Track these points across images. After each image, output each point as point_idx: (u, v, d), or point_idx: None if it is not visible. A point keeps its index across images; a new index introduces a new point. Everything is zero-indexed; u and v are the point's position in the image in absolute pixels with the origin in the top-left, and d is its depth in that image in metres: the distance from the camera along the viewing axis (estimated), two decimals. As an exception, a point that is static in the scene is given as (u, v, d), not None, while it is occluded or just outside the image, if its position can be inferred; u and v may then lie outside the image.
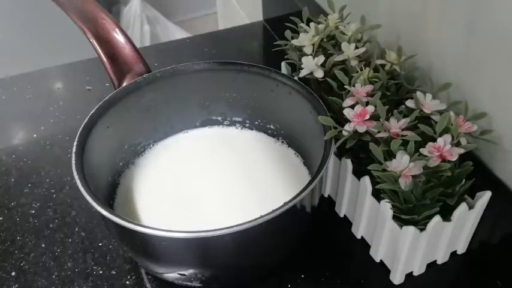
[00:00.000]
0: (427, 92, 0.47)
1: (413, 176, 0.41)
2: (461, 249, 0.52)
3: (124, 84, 0.55)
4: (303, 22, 0.56)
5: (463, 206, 0.46)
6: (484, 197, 0.47)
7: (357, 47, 0.52)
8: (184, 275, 0.46)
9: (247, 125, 0.62)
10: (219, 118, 0.62)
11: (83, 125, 0.49)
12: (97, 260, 0.54)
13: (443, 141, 0.42)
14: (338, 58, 0.52)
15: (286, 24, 0.58)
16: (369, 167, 0.43)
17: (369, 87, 0.47)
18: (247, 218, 0.40)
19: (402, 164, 0.41)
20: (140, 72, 0.56)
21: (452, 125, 0.43)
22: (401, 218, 0.46)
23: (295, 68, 0.57)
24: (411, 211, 0.45)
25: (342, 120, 0.47)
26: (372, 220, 0.51)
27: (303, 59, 0.52)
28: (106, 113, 0.52)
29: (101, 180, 0.51)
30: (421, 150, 0.42)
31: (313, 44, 0.53)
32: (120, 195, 0.55)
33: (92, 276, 0.52)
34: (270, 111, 0.59)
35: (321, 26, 0.55)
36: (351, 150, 0.47)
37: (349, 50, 0.51)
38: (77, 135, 0.48)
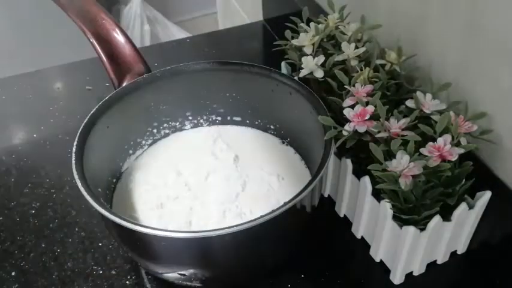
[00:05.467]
0: (427, 92, 0.47)
1: (413, 176, 0.41)
2: (461, 249, 0.52)
3: (124, 84, 0.55)
4: (303, 22, 0.56)
5: (463, 206, 0.46)
6: (484, 197, 0.47)
7: (357, 47, 0.52)
8: (184, 275, 0.46)
9: (247, 124, 0.62)
10: (219, 118, 0.62)
11: (83, 125, 0.49)
12: (97, 260, 0.54)
13: (443, 141, 0.42)
14: (338, 58, 0.52)
15: (286, 24, 0.58)
16: (369, 167, 0.43)
17: (369, 87, 0.47)
18: (248, 217, 0.40)
19: (402, 164, 0.41)
20: (140, 72, 0.56)
21: (452, 125, 0.43)
22: (401, 218, 0.46)
23: (295, 68, 0.57)
24: (411, 211, 0.45)
25: (342, 120, 0.47)
26: (372, 220, 0.51)
27: (303, 59, 0.52)
28: (106, 113, 0.52)
29: (101, 180, 0.51)
30: (421, 150, 0.42)
31: (313, 44, 0.53)
32: (120, 195, 0.55)
33: (92, 276, 0.52)
34: (270, 111, 0.59)
35: (321, 26, 0.55)
36: (351, 150, 0.47)
37: (349, 50, 0.51)
38: (77, 135, 0.48)
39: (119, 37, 0.57)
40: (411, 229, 0.45)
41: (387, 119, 0.45)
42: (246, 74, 0.56)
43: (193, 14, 2.02)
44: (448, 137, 0.42)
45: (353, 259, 0.54)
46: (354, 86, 0.48)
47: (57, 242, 0.56)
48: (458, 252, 0.52)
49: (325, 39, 0.54)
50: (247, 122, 0.62)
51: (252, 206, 0.52)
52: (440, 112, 0.45)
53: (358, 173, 0.50)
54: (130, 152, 0.58)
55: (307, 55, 0.53)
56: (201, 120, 0.62)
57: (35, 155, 0.67)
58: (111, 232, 0.48)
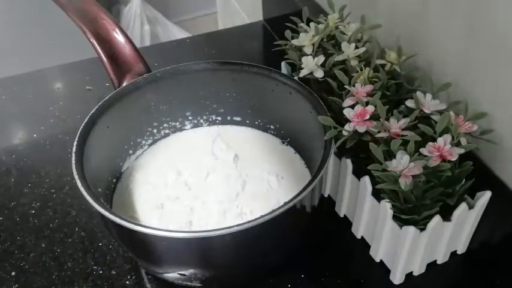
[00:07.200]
0: (427, 92, 0.47)
1: (413, 176, 0.41)
2: (461, 249, 0.52)
3: (124, 84, 0.55)
4: (303, 22, 0.56)
5: (463, 206, 0.46)
6: (484, 197, 0.47)
7: (357, 47, 0.52)
8: (184, 275, 0.46)
9: (247, 124, 0.62)
10: (219, 118, 0.62)
11: (83, 125, 0.49)
12: (97, 260, 0.54)
13: (443, 141, 0.42)
14: (338, 58, 0.52)
15: (286, 24, 0.58)
16: (369, 167, 0.43)
17: (369, 87, 0.47)
18: (248, 217, 0.40)
19: (402, 164, 0.41)
20: (140, 72, 0.56)
21: (452, 125, 0.43)
22: (401, 218, 0.46)
23: (295, 68, 0.57)
24: (411, 211, 0.45)
25: (342, 120, 0.47)
26: (372, 220, 0.51)
27: (303, 59, 0.52)
28: (106, 113, 0.52)
29: (101, 180, 0.51)
30: (421, 150, 0.42)
31: (313, 44, 0.53)
32: (120, 195, 0.55)
33: (92, 276, 0.52)
34: (270, 111, 0.59)
35: (321, 26, 0.55)
36: (351, 150, 0.47)
37: (349, 50, 0.51)
38: (77, 135, 0.48)
39: (119, 37, 0.57)
40: (411, 229, 0.45)
41: (387, 119, 0.44)
42: (246, 74, 0.56)
43: (193, 14, 2.02)
44: (448, 137, 0.42)
45: (353, 259, 0.54)
46: (354, 86, 0.48)
47: (57, 242, 0.56)
48: (458, 252, 0.52)
49: (325, 39, 0.54)
50: (247, 122, 0.62)
51: (252, 206, 0.52)
52: (440, 112, 0.45)
53: (358, 173, 0.50)
54: (130, 152, 0.58)
55: (307, 55, 0.53)
56: (201, 120, 0.62)
57: (35, 155, 0.67)
58: (111, 232, 0.48)
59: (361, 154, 0.49)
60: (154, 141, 0.60)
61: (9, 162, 0.65)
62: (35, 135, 0.69)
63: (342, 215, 0.57)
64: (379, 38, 0.55)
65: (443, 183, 0.43)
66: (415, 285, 0.51)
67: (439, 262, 0.52)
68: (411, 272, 0.51)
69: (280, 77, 0.54)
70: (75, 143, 0.47)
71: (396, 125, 0.44)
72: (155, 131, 0.60)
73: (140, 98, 0.55)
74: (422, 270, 0.51)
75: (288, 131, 0.59)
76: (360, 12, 0.55)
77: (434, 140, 0.42)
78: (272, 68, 0.55)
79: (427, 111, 0.46)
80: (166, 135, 0.61)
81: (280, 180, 0.55)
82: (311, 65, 0.52)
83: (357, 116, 0.45)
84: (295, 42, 0.54)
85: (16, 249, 0.55)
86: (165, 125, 0.60)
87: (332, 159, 0.54)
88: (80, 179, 0.44)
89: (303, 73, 0.52)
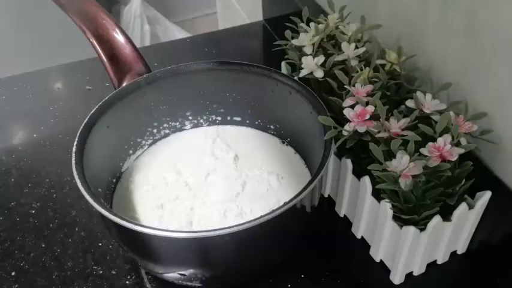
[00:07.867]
0: (427, 92, 0.47)
1: (413, 176, 0.41)
2: (461, 249, 0.52)
3: (124, 84, 0.55)
4: (303, 22, 0.57)
5: (463, 206, 0.46)
6: (484, 197, 0.47)
7: (357, 47, 0.52)
8: (184, 275, 0.46)
9: (247, 124, 0.62)
10: (219, 118, 0.62)
11: (83, 124, 0.49)
12: (97, 260, 0.54)
13: (443, 141, 0.42)
14: (338, 58, 0.52)
15: (286, 24, 0.58)
16: (369, 167, 0.43)
17: (369, 87, 0.47)
18: (248, 217, 0.40)
19: (402, 164, 0.41)
20: (140, 72, 0.56)
21: (452, 125, 0.43)
22: (401, 218, 0.46)
23: (295, 68, 0.57)
24: (411, 211, 0.45)
25: (342, 120, 0.47)
26: (371, 220, 0.51)
27: (303, 59, 0.52)
28: (106, 112, 0.52)
29: (101, 181, 0.51)
30: (421, 150, 0.42)
31: (313, 44, 0.53)
32: (120, 195, 0.55)
33: (92, 276, 0.52)
34: (270, 111, 0.59)
35: (321, 26, 0.55)
36: (351, 150, 0.47)
37: (349, 50, 0.51)
38: (77, 135, 0.48)
39: (119, 37, 0.57)
40: (411, 229, 0.45)
41: (387, 119, 0.44)
42: (246, 74, 0.56)
43: (193, 14, 2.02)
44: (448, 137, 0.42)
45: (353, 259, 0.54)
46: (354, 86, 0.48)
47: (57, 242, 0.56)
48: (458, 252, 0.52)
49: (325, 39, 0.54)
50: (247, 122, 0.62)
51: (252, 206, 0.52)
52: (440, 112, 0.45)
53: (358, 173, 0.50)
54: (130, 152, 0.58)
55: (307, 55, 0.53)
56: (201, 120, 0.62)
57: (35, 155, 0.66)
58: (111, 232, 0.48)
59: (361, 154, 0.49)
60: (154, 141, 0.60)
61: (9, 162, 0.65)
62: (35, 135, 0.69)
63: (342, 215, 0.57)
64: (379, 38, 0.55)
65: (443, 183, 0.43)
66: (415, 285, 0.51)
67: (439, 262, 0.52)
68: (411, 272, 0.51)
69: (280, 77, 0.54)
70: (75, 143, 0.47)
71: (396, 125, 0.44)
72: (155, 131, 0.60)
73: (140, 98, 0.55)
74: (422, 270, 0.51)
75: (288, 131, 0.59)
76: (360, 12, 0.55)
77: (434, 140, 0.42)
78: (272, 68, 0.55)
79: (427, 111, 0.46)
80: (166, 135, 0.61)
81: (280, 180, 0.55)
82: (311, 65, 0.52)
83: (357, 116, 0.45)
84: (295, 42, 0.54)
85: (16, 249, 0.55)
86: (165, 125, 0.60)
87: (332, 159, 0.54)
88: (80, 179, 0.44)
89: (303, 73, 0.52)
